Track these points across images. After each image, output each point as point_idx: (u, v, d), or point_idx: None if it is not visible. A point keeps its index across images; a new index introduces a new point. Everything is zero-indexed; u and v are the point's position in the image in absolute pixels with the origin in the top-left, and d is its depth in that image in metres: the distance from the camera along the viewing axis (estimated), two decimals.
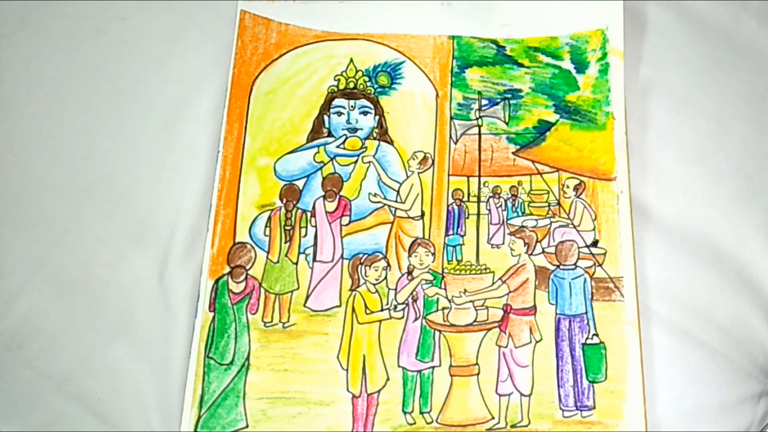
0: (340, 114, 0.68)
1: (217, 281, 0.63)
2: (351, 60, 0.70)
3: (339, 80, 0.69)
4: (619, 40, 0.68)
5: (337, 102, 0.69)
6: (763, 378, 0.63)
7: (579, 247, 0.65)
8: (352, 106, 0.69)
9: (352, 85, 0.69)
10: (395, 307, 0.63)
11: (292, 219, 0.65)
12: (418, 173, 0.67)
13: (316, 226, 0.65)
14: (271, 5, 0.71)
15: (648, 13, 0.71)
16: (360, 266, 0.64)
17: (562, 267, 0.64)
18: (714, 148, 0.68)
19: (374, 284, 0.64)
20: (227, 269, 0.64)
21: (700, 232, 0.66)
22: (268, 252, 0.65)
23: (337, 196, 0.66)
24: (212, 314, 0.63)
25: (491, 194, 0.67)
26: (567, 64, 0.69)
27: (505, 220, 0.66)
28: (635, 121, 0.68)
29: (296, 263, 0.65)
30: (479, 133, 0.68)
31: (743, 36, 0.71)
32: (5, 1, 0.71)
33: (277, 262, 0.64)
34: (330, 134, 0.68)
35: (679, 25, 0.71)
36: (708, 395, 0.62)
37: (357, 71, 0.70)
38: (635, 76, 0.69)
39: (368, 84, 0.69)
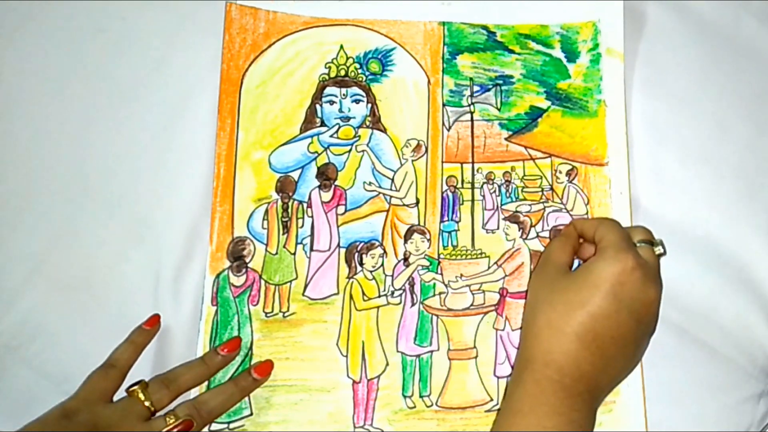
0: (332, 103, 0.68)
1: (218, 276, 0.64)
2: (341, 47, 0.69)
3: (330, 68, 0.69)
4: (619, 41, 0.68)
5: (328, 90, 0.68)
6: (763, 378, 0.64)
7: None
8: (344, 95, 0.68)
9: (343, 72, 0.68)
10: (392, 293, 0.64)
11: (289, 210, 0.66)
12: (412, 161, 0.67)
13: (312, 217, 0.66)
14: None
15: (648, 13, 0.71)
16: (357, 254, 0.65)
17: None
18: (714, 148, 0.68)
19: (371, 271, 0.64)
20: (227, 264, 0.64)
21: (700, 232, 0.66)
22: (266, 244, 0.65)
23: (333, 186, 0.66)
24: (215, 308, 0.63)
25: (485, 180, 0.67)
26: (558, 53, 0.69)
27: (499, 205, 0.66)
28: (635, 121, 0.68)
29: (294, 253, 0.65)
30: (471, 120, 0.68)
31: (743, 36, 0.71)
32: (5, 1, 0.69)
33: (276, 253, 0.65)
34: (323, 124, 0.68)
35: (679, 25, 0.71)
36: (708, 395, 0.62)
37: (348, 58, 0.69)
38: (635, 76, 0.69)
39: (359, 71, 0.69)
